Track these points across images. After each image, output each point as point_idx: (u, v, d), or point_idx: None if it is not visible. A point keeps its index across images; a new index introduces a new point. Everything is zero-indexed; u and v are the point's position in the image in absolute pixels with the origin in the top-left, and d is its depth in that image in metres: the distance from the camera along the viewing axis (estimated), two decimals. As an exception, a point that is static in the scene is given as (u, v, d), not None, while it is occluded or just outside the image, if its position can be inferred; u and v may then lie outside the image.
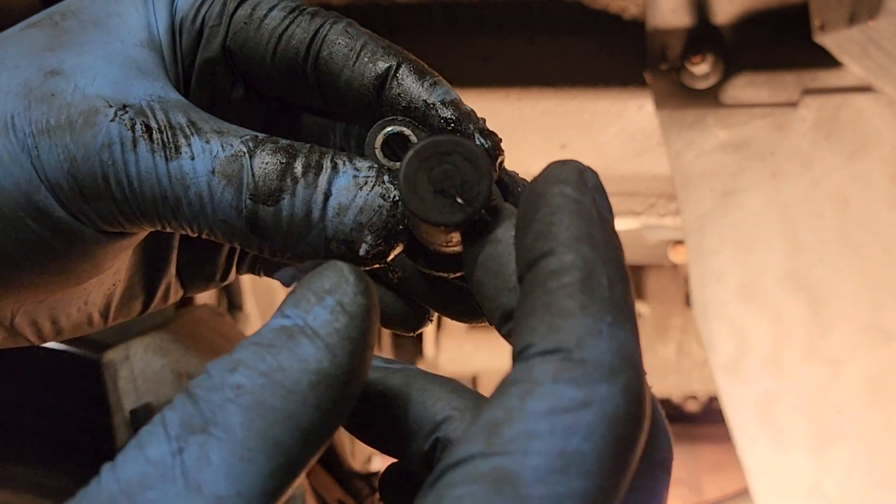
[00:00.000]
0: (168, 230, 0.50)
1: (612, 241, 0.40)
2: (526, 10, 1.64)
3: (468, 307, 0.56)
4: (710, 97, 1.44)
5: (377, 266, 0.49)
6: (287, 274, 0.59)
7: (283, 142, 0.48)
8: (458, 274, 0.52)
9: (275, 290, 2.07)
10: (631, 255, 2.57)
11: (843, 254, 1.42)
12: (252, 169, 0.47)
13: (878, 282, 1.42)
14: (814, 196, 1.42)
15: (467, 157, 0.45)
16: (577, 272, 0.38)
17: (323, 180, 0.47)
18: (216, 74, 0.54)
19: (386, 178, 0.48)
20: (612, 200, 0.43)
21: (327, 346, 0.38)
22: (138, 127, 0.47)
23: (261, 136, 0.48)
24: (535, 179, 0.43)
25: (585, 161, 0.46)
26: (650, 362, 2.68)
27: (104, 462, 0.36)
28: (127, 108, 0.48)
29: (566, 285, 0.38)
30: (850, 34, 1.22)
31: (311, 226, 0.47)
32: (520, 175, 0.58)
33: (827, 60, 1.35)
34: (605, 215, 0.41)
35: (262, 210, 0.47)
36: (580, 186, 0.42)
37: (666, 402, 2.76)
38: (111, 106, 0.48)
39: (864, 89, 1.38)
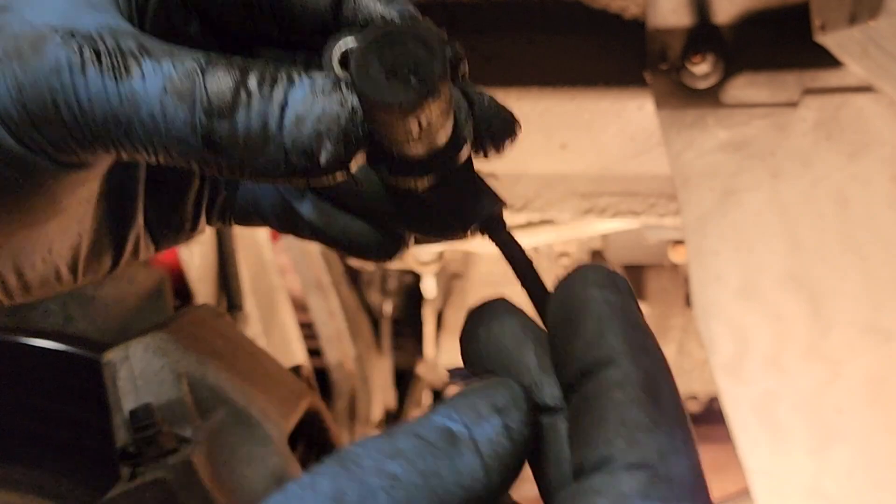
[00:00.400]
0: (124, 156, 0.50)
1: (659, 350, 0.41)
2: (526, 10, 1.64)
3: (440, 223, 0.56)
4: (710, 97, 1.44)
5: (340, 177, 0.49)
6: (458, 374, 0.58)
7: (237, 58, 0.49)
8: (426, 182, 0.51)
9: (275, 289, 2.06)
10: (631, 256, 2.57)
11: (843, 253, 1.42)
12: (205, 85, 0.47)
13: (878, 282, 1.42)
14: (814, 196, 1.42)
15: (420, 40, 0.45)
16: (641, 384, 0.39)
17: (278, 92, 0.48)
18: (170, 10, 0.54)
19: (343, 85, 0.48)
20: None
21: (485, 466, 0.38)
22: (86, 52, 0.48)
23: (214, 54, 0.49)
24: (568, 282, 0.43)
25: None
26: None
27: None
28: (75, 35, 0.48)
29: (634, 399, 0.39)
30: (850, 34, 1.22)
31: (269, 138, 0.47)
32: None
33: (827, 60, 1.35)
34: (645, 323, 0.42)
35: (218, 125, 0.47)
36: (619, 292, 0.42)
37: (666, 403, 2.77)
38: (58, 33, 0.48)
39: (864, 89, 1.38)
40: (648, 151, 1.63)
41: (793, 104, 1.40)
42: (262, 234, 2.24)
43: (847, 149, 1.40)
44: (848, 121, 1.39)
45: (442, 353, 2.75)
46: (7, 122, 0.48)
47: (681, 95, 1.45)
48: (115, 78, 0.47)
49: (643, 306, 2.63)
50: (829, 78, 1.39)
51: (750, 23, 1.43)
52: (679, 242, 2.36)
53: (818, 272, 1.44)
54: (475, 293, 2.60)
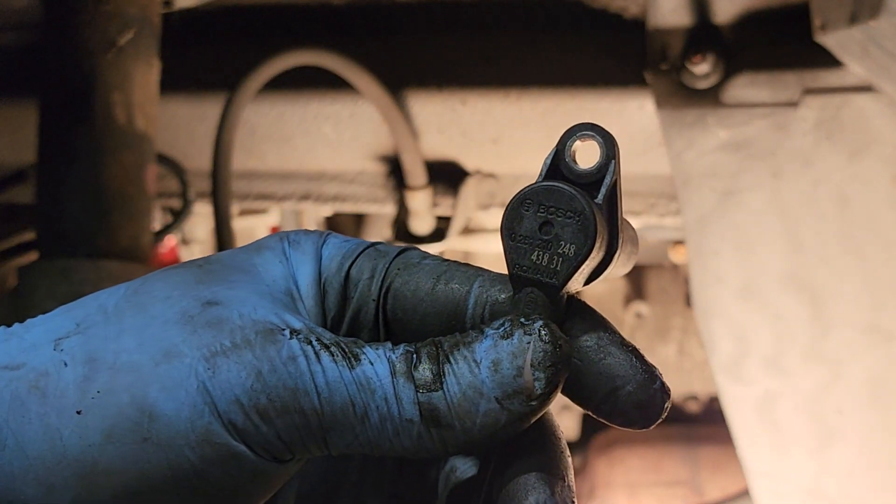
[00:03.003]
0: (336, 452, 0.51)
1: None
2: (526, 10, 1.64)
3: None
4: (710, 97, 1.43)
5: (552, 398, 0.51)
6: None
7: (420, 342, 0.51)
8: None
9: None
10: (631, 256, 2.57)
11: (844, 254, 1.42)
12: (416, 364, 0.50)
13: (878, 282, 1.42)
14: (815, 196, 1.42)
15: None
16: None
17: (468, 352, 0.50)
18: (358, 329, 0.56)
19: (522, 320, 0.50)
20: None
21: None
22: (315, 342, 0.50)
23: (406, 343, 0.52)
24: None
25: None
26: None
27: None
28: (297, 330, 0.50)
29: None
30: (851, 34, 1.22)
31: (480, 395, 0.50)
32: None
33: (828, 60, 1.35)
34: None
35: (435, 398, 0.49)
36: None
37: (666, 403, 2.77)
38: (284, 327, 0.50)
39: (865, 89, 1.37)
40: (649, 151, 1.62)
41: (793, 104, 1.40)
42: (261, 232, 2.24)
43: (848, 149, 1.39)
44: (849, 120, 1.39)
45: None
46: (228, 415, 0.48)
47: (681, 95, 1.44)
48: (349, 365, 0.49)
49: (643, 307, 2.63)
50: (829, 78, 1.38)
51: (750, 22, 1.43)
52: (679, 242, 2.36)
53: (819, 273, 1.43)
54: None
